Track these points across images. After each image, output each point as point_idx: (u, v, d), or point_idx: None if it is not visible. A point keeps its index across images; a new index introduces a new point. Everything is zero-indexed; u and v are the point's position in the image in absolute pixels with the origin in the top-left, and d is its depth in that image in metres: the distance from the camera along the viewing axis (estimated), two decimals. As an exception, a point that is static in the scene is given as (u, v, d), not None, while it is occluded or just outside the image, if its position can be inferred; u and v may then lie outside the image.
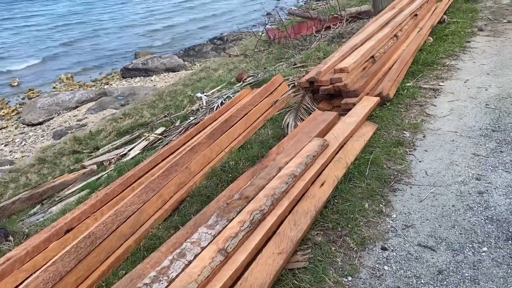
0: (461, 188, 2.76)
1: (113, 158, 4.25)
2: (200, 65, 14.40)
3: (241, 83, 5.58)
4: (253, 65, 6.48)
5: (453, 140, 3.35)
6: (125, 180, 3.04)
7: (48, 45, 20.10)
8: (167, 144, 4.08)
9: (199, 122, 4.49)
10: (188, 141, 3.63)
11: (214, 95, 5.28)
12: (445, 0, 7.23)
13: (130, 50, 18.26)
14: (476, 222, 2.45)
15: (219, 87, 5.58)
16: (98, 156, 4.48)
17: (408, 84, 4.47)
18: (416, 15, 6.41)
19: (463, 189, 2.75)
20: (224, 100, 4.93)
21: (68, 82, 14.73)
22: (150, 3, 29.47)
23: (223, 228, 2.33)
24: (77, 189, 3.81)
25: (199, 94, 5.40)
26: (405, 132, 3.58)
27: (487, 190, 2.70)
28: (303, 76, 4.75)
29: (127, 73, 14.81)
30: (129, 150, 4.33)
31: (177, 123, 4.77)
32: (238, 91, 4.98)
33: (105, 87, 13.91)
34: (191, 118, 4.76)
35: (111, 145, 4.65)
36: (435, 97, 4.18)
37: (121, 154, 4.29)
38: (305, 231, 2.46)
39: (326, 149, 3.17)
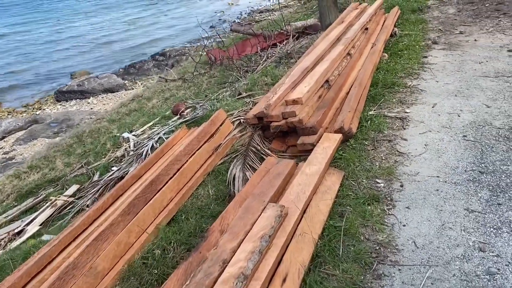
0: (464, 267, 2.09)
1: (2, 239, 3.18)
2: (141, 84, 13.38)
3: (177, 116, 4.70)
4: (193, 92, 5.62)
5: (437, 190, 2.71)
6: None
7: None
8: (77, 213, 3.11)
9: (122, 176, 3.55)
10: (100, 215, 2.69)
11: (145, 135, 4.35)
12: (393, 11, 6.86)
13: (67, 71, 16.67)
14: (499, 328, 1.77)
15: (151, 123, 4.66)
16: (-16, 235, 3.38)
17: (370, 113, 3.85)
18: (366, 28, 5.93)
19: (468, 268, 2.08)
20: (156, 142, 4.03)
21: (-5, 109, 13.01)
22: (87, 21, 27.49)
23: None
24: None
25: (126, 134, 4.44)
26: (378, 180, 2.90)
27: (498, 269, 2.05)
28: (250, 109, 3.98)
29: (62, 96, 13.41)
30: (28, 224, 3.29)
31: (96, 177, 3.78)
32: (173, 130, 4.10)
33: (38, 112, 12.49)
34: (114, 168, 3.81)
35: (5, 216, 3.55)
36: (404, 128, 3.57)
37: (15, 231, 3.24)
38: None
39: (286, 220, 2.39)
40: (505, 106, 3.65)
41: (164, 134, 4.10)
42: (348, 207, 2.65)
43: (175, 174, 2.94)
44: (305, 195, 2.61)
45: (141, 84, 13.53)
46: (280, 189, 2.73)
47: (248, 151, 3.45)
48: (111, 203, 2.80)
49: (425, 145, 3.27)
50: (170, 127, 4.24)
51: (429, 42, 5.75)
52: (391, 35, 6.06)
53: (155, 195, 2.69)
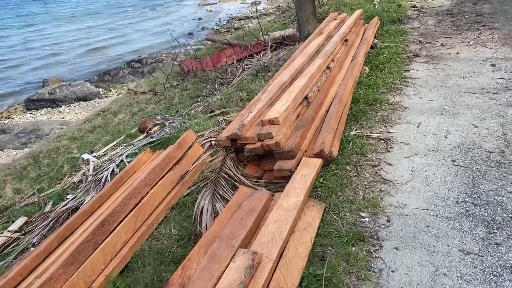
0: (464, 328, 1.80)
1: None
2: (115, 92, 12.95)
3: (144, 134, 4.31)
4: (163, 106, 5.23)
5: (428, 226, 2.43)
6: None
7: None
8: (21, 253, 2.68)
9: (77, 207, 3.13)
10: (41, 262, 2.27)
11: (106, 156, 3.94)
12: (373, 22, 6.68)
13: (40, 78, 15.94)
14: None
15: (114, 143, 4.25)
16: None
17: (352, 133, 3.57)
18: (346, 40, 5.70)
19: (468, 329, 1.79)
20: (117, 166, 3.63)
21: (-40, 120, 12.21)
22: (64, 27, 26.48)
23: None
24: None
25: (86, 156, 4.01)
26: (362, 214, 2.60)
27: (504, 331, 1.76)
28: (223, 129, 3.64)
29: (32, 104, 12.75)
30: (-39, 269, 2.83)
31: (48, 207, 3.35)
32: (137, 152, 3.71)
33: (5, 122, 11.83)
34: (69, 197, 3.39)
35: None
36: (388, 151, 3.30)
37: None
38: None
39: (258, 269, 2.05)
40: (493, 126, 3.44)
41: (127, 156, 3.70)
42: (330, 247, 2.34)
43: (132, 209, 2.56)
44: (281, 235, 2.27)
45: (116, 91, 13.09)
46: (253, 228, 2.39)
47: (219, 178, 3.10)
48: (56, 246, 2.40)
49: (412, 171, 3.00)
50: (134, 148, 3.85)
51: (411, 54, 5.57)
52: (371, 47, 5.86)
53: (106, 237, 2.30)
